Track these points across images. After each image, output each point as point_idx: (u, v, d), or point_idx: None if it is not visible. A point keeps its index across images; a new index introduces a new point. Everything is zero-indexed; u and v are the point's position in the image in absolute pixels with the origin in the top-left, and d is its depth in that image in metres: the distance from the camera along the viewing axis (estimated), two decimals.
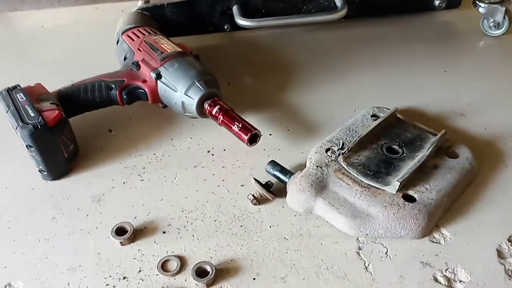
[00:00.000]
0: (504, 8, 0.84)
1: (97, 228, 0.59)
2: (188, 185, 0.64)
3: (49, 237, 0.58)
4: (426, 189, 0.56)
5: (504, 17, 0.85)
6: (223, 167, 0.66)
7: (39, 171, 0.65)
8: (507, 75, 0.80)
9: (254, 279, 0.52)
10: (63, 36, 1.00)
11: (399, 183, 0.55)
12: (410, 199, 0.55)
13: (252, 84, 0.84)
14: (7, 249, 0.57)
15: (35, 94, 0.68)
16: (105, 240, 0.57)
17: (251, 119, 0.68)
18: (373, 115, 0.68)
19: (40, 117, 0.62)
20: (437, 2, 0.89)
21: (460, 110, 0.73)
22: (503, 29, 0.86)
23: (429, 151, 0.59)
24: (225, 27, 0.89)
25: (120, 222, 0.58)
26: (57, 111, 0.64)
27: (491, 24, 0.87)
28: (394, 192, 0.55)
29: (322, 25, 0.92)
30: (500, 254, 0.53)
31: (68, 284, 0.53)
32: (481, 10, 0.86)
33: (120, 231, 0.58)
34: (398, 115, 0.67)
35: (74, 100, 0.70)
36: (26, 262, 0.55)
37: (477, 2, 0.86)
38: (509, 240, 0.54)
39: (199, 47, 0.84)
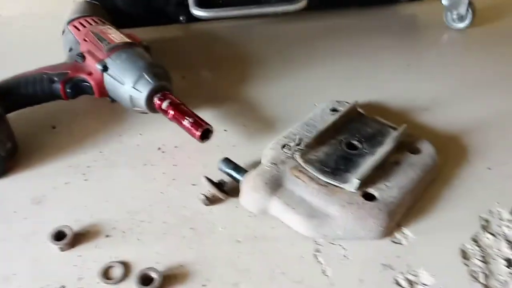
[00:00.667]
0: (468, 0, 0.83)
1: (34, 232, 0.54)
2: (136, 185, 0.60)
3: None
4: (387, 186, 0.53)
5: (467, 9, 0.84)
6: (174, 164, 0.62)
7: None
8: (471, 69, 0.79)
9: (203, 286, 0.48)
10: (9, 27, 0.94)
11: (358, 181, 0.51)
12: (370, 197, 0.52)
13: (208, 78, 0.80)
14: None
15: None
16: (43, 246, 0.52)
17: (206, 114, 0.64)
18: (332, 109, 0.64)
19: None
20: None
21: (423, 104, 0.70)
22: (466, 22, 0.85)
23: (390, 146, 0.56)
24: (181, 18, 0.85)
25: (59, 226, 0.54)
26: None
27: (455, 17, 0.85)
28: (353, 190, 0.52)
29: (282, 16, 0.89)
30: (464, 254, 0.51)
31: None
32: (444, 2, 0.84)
33: (59, 235, 0.53)
34: (359, 109, 0.64)
35: (12, 94, 0.65)
36: None
37: None
38: (473, 240, 0.52)
39: (153, 40, 0.80)
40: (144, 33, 0.77)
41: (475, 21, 0.86)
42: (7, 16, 0.97)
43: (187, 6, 0.81)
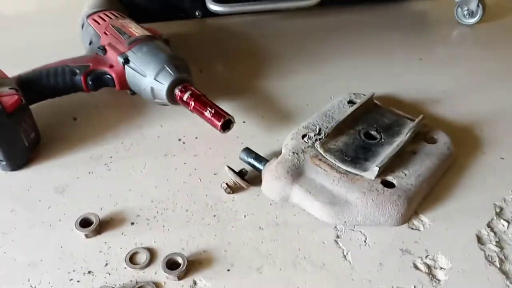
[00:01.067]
0: None
1: (60, 220, 0.55)
2: (158, 175, 0.61)
3: (7, 231, 0.54)
4: (405, 174, 0.55)
5: (478, 5, 0.85)
6: (195, 155, 0.63)
7: None
8: (481, 62, 0.80)
9: (228, 270, 0.50)
10: (24, 22, 0.95)
11: (378, 169, 0.53)
12: (389, 185, 0.54)
13: (225, 71, 0.81)
14: None
15: None
16: (69, 233, 0.54)
17: (224, 106, 0.65)
18: (349, 101, 0.66)
19: None
20: None
21: (435, 97, 0.72)
22: (477, 17, 0.86)
23: (407, 136, 0.58)
24: (197, 13, 0.86)
25: (85, 214, 0.55)
26: (16, 96, 0.60)
27: (465, 13, 0.87)
28: (373, 178, 0.53)
29: (297, 12, 0.90)
30: (479, 240, 0.52)
31: (28, 280, 0.49)
32: None
33: (85, 223, 0.54)
34: (375, 101, 0.65)
35: (35, 85, 0.66)
36: None
37: None
38: (488, 226, 0.54)
39: (169, 34, 0.81)
40: (160, 28, 0.78)
41: (485, 17, 0.87)
42: (22, 11, 0.98)
43: (202, 1, 0.83)
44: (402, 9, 0.92)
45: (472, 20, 0.87)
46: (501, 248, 0.51)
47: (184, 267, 0.49)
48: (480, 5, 0.85)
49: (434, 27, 0.90)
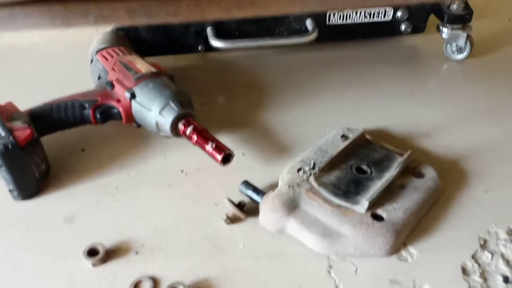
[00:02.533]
0: (466, 33, 0.88)
1: (68, 249, 0.59)
2: (162, 205, 0.64)
3: (17, 259, 0.58)
4: (394, 208, 0.58)
5: (466, 42, 0.89)
6: (197, 186, 0.67)
7: (9, 191, 0.64)
8: (470, 97, 0.83)
9: None
10: (35, 55, 0.99)
11: (368, 203, 0.57)
12: (378, 218, 0.57)
13: (226, 104, 0.85)
14: None
15: (6, 113, 0.67)
16: (77, 261, 0.57)
17: (225, 139, 0.69)
18: (343, 136, 0.70)
19: (11, 136, 0.62)
20: (403, 27, 0.92)
21: (425, 130, 0.75)
22: (465, 53, 0.90)
23: (396, 171, 0.61)
24: (199, 48, 0.90)
25: (92, 243, 0.58)
26: (28, 130, 0.64)
27: (454, 49, 0.91)
28: (364, 211, 0.57)
29: (294, 47, 0.94)
30: (464, 271, 0.55)
31: None
32: (444, 35, 0.89)
33: (92, 252, 0.58)
34: (367, 136, 0.69)
35: (46, 119, 0.70)
36: None
37: (441, 27, 0.89)
38: (472, 257, 0.57)
39: (173, 67, 0.85)
40: (164, 61, 0.82)
41: (473, 53, 0.91)
42: (34, 43, 1.03)
43: (205, 36, 0.87)
44: (395, 45, 0.96)
45: (460, 56, 0.91)
46: (485, 279, 0.55)
47: None
48: (468, 42, 0.89)
49: (425, 62, 0.93)
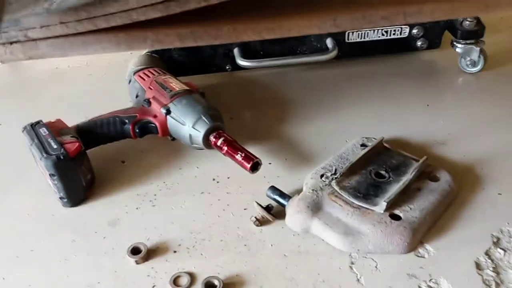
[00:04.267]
0: (479, 48, 0.93)
1: (113, 248, 0.65)
2: (196, 210, 0.70)
3: (69, 258, 0.64)
4: (410, 208, 0.63)
5: (479, 56, 0.93)
6: (227, 193, 0.73)
7: (60, 198, 0.71)
8: (483, 108, 0.87)
9: None
10: (77, 76, 1.08)
11: (386, 203, 0.61)
12: (396, 217, 0.62)
13: (253, 118, 0.91)
14: (30, 270, 0.63)
15: (56, 129, 0.74)
16: (121, 260, 0.63)
17: (252, 149, 0.74)
18: (362, 145, 0.75)
19: (62, 149, 0.69)
20: (419, 43, 0.98)
21: (441, 139, 0.80)
22: (479, 67, 0.94)
23: (412, 175, 0.66)
24: (227, 67, 0.97)
25: (135, 243, 0.64)
26: (77, 143, 0.71)
27: (468, 63, 0.95)
28: (382, 212, 0.62)
29: (316, 64, 0.99)
30: (478, 266, 0.59)
31: None
32: (458, 50, 0.94)
33: (135, 251, 0.64)
34: (385, 144, 0.74)
35: (91, 133, 0.77)
36: (47, 281, 0.61)
37: (455, 43, 0.94)
38: (486, 254, 0.61)
39: (204, 86, 0.92)
40: (196, 80, 0.89)
41: (487, 66, 0.95)
42: (74, 67, 1.12)
43: (232, 57, 0.94)
44: (412, 60, 1.01)
45: (474, 69, 0.95)
46: (497, 273, 0.58)
47: None
48: (482, 56, 0.93)
49: (441, 76, 0.98)
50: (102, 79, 1.06)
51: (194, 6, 0.33)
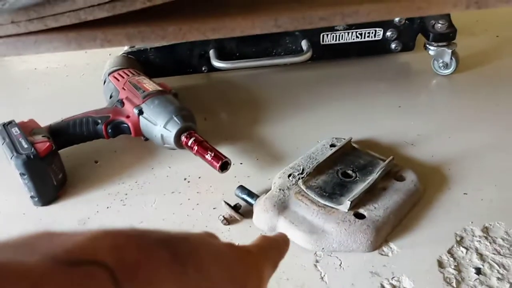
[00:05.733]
0: (451, 50, 0.94)
1: None
2: (166, 209, 0.71)
3: None
4: (375, 207, 0.64)
5: (451, 58, 0.94)
6: (198, 192, 0.73)
7: (31, 197, 0.72)
8: (454, 109, 0.89)
9: None
10: (54, 77, 1.08)
11: (349, 202, 0.62)
12: (360, 216, 0.63)
13: (227, 119, 0.92)
14: None
15: (28, 129, 0.75)
16: None
17: (225, 150, 0.75)
18: (331, 145, 0.76)
19: (32, 148, 0.69)
20: (393, 46, 0.99)
21: (410, 140, 0.81)
22: (451, 69, 0.96)
23: (377, 174, 0.67)
24: (203, 69, 0.98)
25: None
26: (48, 143, 0.71)
27: (441, 65, 0.97)
28: (346, 210, 0.63)
29: (290, 66, 1.01)
30: (440, 264, 0.60)
31: None
32: (431, 52, 0.96)
33: None
34: (353, 144, 0.75)
35: (63, 134, 0.78)
36: None
37: (427, 45, 0.96)
38: (448, 252, 0.62)
39: (179, 87, 0.93)
40: (171, 81, 0.90)
41: (462, 68, 0.97)
42: (52, 68, 1.12)
43: (208, 58, 0.94)
44: (386, 62, 1.03)
45: (447, 71, 0.96)
46: (459, 271, 0.59)
47: None
48: (454, 58, 0.95)
49: (415, 78, 0.99)
50: (79, 80, 1.07)
51: (140, 6, 0.34)
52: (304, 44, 0.95)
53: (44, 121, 0.78)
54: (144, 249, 0.23)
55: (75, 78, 1.08)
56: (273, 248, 0.36)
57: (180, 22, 0.34)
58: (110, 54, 1.04)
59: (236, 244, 0.32)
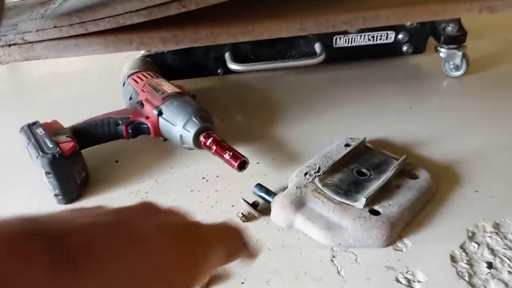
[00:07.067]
0: (461, 52, 0.96)
1: None
2: (185, 207, 0.72)
3: None
4: (389, 204, 0.66)
5: (462, 60, 0.96)
6: (216, 190, 0.76)
7: (55, 195, 0.74)
8: (464, 110, 0.91)
9: (242, 283, 0.61)
10: (73, 80, 1.11)
11: (365, 199, 0.64)
12: (375, 213, 0.65)
13: (243, 120, 0.94)
14: None
15: (52, 129, 0.78)
16: None
17: (241, 150, 0.76)
18: (346, 144, 0.78)
19: (58, 148, 0.72)
20: (405, 48, 1.01)
21: (422, 140, 0.83)
22: (461, 71, 0.98)
23: (392, 172, 0.69)
24: (219, 71, 1.00)
25: None
26: (72, 143, 0.74)
27: (451, 67, 0.98)
28: (362, 207, 0.65)
29: (304, 68, 1.03)
30: (453, 259, 0.62)
31: None
32: (442, 54, 0.98)
33: None
34: (367, 144, 0.77)
35: (86, 134, 0.80)
36: None
37: (438, 47, 0.98)
38: (461, 247, 0.64)
39: (196, 89, 0.95)
40: (188, 84, 0.92)
41: (472, 70, 0.98)
42: (70, 71, 1.15)
43: (224, 61, 0.97)
44: (398, 65, 1.05)
45: (457, 73, 0.98)
46: (471, 265, 0.61)
47: (205, 281, 0.61)
48: (464, 60, 0.96)
49: (426, 80, 1.01)
50: (97, 83, 1.09)
51: (175, 11, 0.36)
52: (317, 47, 0.97)
53: (66, 122, 0.80)
54: (17, 251, 0.19)
55: (93, 81, 1.10)
56: (233, 239, 0.34)
57: (211, 26, 0.37)
58: (126, 58, 1.07)
59: (187, 223, 0.30)
